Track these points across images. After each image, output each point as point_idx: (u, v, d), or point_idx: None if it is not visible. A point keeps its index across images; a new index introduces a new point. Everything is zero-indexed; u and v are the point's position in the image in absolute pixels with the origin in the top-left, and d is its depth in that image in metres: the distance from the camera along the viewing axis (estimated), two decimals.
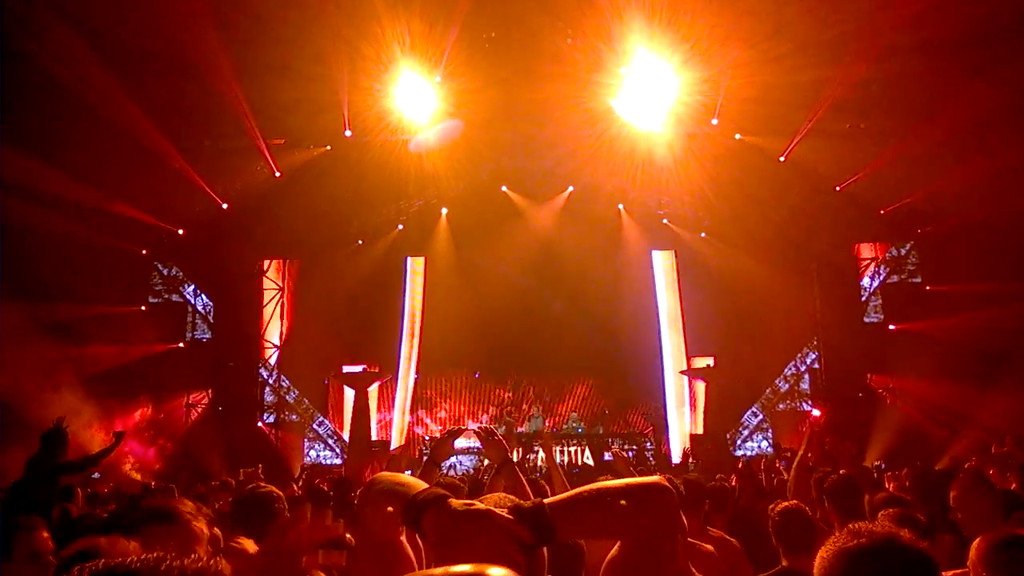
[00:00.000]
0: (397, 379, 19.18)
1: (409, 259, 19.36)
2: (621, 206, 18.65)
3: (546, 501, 1.63)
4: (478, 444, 14.41)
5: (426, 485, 1.71)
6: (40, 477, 7.71)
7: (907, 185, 16.22)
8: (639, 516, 1.63)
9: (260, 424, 18.18)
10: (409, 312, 19.29)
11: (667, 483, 1.66)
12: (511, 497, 1.68)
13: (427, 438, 17.47)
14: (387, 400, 19.16)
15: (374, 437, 18.07)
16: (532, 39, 14.57)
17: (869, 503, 4.52)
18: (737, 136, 16.50)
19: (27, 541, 2.98)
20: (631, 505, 1.62)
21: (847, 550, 1.67)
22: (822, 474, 5.24)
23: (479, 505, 1.55)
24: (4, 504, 7.59)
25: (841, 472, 6.19)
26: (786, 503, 4.11)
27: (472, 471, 15.39)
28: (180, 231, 17.35)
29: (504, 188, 18.22)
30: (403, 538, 2.09)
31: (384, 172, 16.47)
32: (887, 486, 7.63)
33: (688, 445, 17.91)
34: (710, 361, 18.75)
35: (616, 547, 1.79)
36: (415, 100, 15.53)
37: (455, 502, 1.57)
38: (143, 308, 17.96)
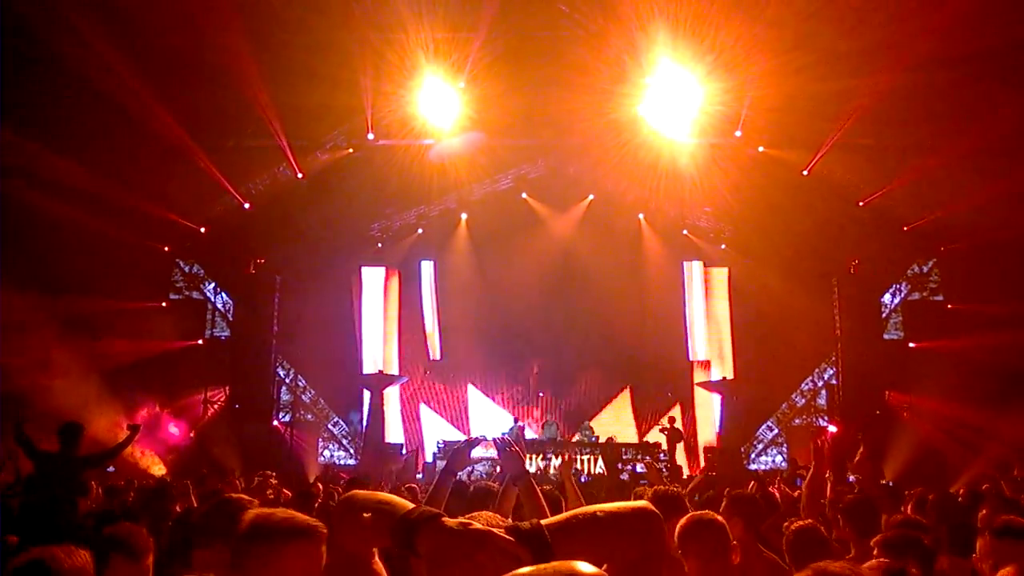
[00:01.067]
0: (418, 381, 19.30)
1: (423, 263, 19.40)
2: (641, 216, 18.61)
3: (543, 522, 1.65)
4: (493, 453, 14.52)
5: (406, 503, 1.71)
6: (58, 471, 7.80)
7: (931, 201, 16.09)
8: (628, 540, 1.67)
9: (276, 423, 18.28)
10: (430, 315, 19.33)
11: (653, 509, 1.70)
12: (500, 517, 1.72)
13: (441, 443, 17.46)
14: (405, 403, 19.22)
15: (389, 440, 18.14)
16: (556, 48, 14.61)
17: (885, 524, 4.49)
18: (760, 149, 16.44)
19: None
20: (621, 529, 1.68)
21: None
22: (838, 493, 5.20)
23: (475, 525, 1.56)
24: (24, 499, 7.69)
25: (857, 491, 6.17)
26: (801, 521, 4.09)
27: (483, 477, 15.34)
28: (202, 229, 17.51)
29: (524, 195, 18.23)
30: (376, 557, 2.09)
31: (405, 176, 16.56)
32: (906, 507, 7.56)
33: (702, 458, 17.83)
34: (727, 374, 18.68)
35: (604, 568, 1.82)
36: (438, 106, 15.60)
37: (449, 521, 1.58)
38: (163, 304, 18.13)
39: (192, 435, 17.13)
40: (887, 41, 13.22)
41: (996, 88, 13.75)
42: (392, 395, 18.92)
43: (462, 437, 17.93)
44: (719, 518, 3.42)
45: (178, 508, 7.60)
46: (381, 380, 18.50)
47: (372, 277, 19.33)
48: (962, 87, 13.81)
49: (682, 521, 3.40)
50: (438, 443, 17.60)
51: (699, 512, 3.51)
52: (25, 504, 7.56)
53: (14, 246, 14.11)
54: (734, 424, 18.35)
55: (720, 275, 19.28)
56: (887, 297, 18.61)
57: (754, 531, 4.30)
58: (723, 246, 18.76)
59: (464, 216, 18.70)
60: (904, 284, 18.64)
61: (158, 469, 15.01)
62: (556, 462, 17.84)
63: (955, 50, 12.95)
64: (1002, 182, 14.36)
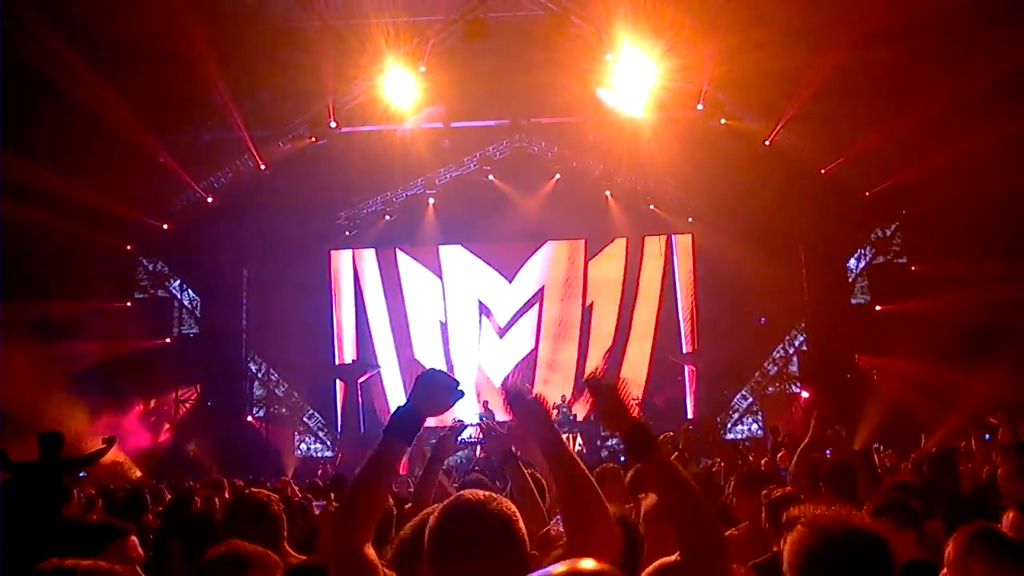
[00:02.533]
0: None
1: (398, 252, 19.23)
2: (608, 192, 18.65)
3: None
4: (473, 438, 14.51)
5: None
6: (40, 479, 7.69)
7: (890, 167, 16.32)
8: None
9: (250, 418, 18.12)
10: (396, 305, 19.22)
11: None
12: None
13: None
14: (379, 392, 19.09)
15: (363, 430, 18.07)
16: (517, 27, 14.57)
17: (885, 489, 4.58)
18: (722, 121, 16.54)
19: (120, 547, 2.92)
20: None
21: (811, 549, 1.86)
22: (815, 460, 5.25)
23: None
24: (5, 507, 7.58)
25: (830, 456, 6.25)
26: (780, 490, 4.12)
27: (462, 461, 15.36)
28: (165, 226, 17.21)
29: (490, 177, 18.17)
30: (368, 548, 2.09)
31: (370, 163, 16.44)
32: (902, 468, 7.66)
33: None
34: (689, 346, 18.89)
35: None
36: (400, 90, 15.46)
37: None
38: (129, 304, 17.82)
39: (166, 435, 16.92)
40: (842, 14, 13.40)
41: (949, 56, 13.96)
42: (373, 384, 18.77)
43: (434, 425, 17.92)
44: None
45: (151, 512, 7.57)
46: (354, 370, 18.40)
47: (342, 261, 19.18)
48: (916, 56, 14.01)
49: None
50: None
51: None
52: (9, 512, 7.48)
53: None
54: (707, 395, 18.57)
55: (684, 242, 19.40)
56: (852, 262, 18.89)
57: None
58: (689, 219, 18.87)
59: (432, 200, 18.59)
60: (868, 249, 18.92)
61: (133, 473, 14.80)
62: None
63: (907, 21, 13.16)
64: (958, 145, 14.60)
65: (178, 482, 11.01)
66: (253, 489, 3.80)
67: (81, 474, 12.24)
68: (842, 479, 4.53)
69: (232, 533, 3.05)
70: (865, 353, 17.77)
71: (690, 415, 18.39)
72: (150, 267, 18.53)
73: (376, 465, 2.16)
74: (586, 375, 2.33)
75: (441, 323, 18.97)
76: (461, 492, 1.95)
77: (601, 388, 2.26)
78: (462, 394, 2.28)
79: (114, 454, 14.67)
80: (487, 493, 1.92)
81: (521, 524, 1.87)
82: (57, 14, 12.56)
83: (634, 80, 15.29)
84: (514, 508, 1.90)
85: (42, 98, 13.24)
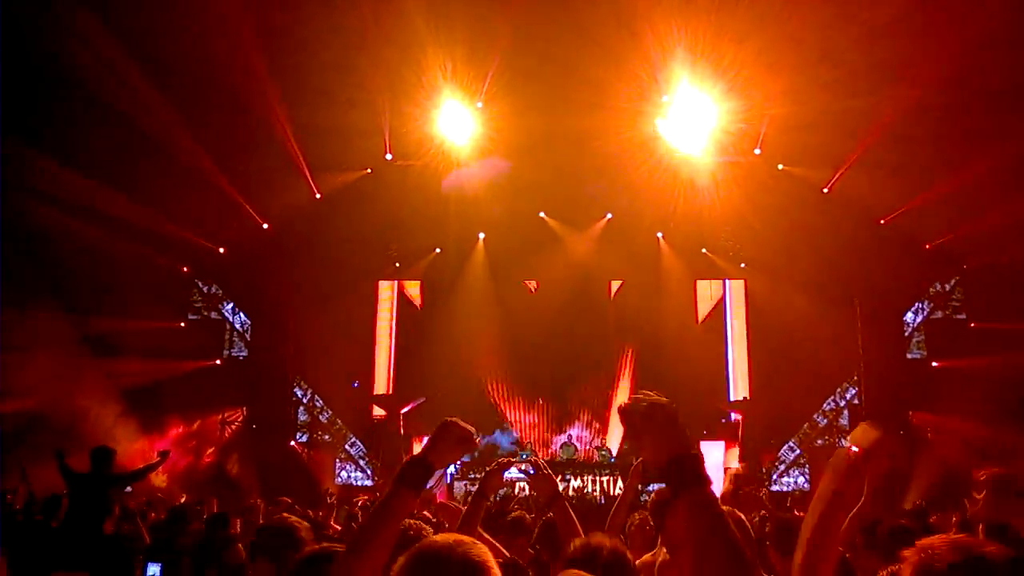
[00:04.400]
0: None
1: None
2: (660, 235, 18.52)
3: None
4: (517, 475, 14.39)
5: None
6: (91, 492, 7.86)
7: (953, 220, 15.95)
8: None
9: (293, 443, 18.23)
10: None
11: None
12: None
13: (457, 464, 17.32)
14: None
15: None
16: (573, 66, 14.60)
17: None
18: (780, 167, 16.36)
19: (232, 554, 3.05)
20: None
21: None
22: (871, 521, 5.05)
23: None
24: (64, 518, 7.78)
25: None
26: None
27: (499, 499, 15.17)
28: (221, 250, 17.57)
29: (542, 214, 18.19)
30: None
31: (423, 196, 16.58)
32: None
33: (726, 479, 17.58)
34: (745, 394, 18.51)
35: None
36: (456, 125, 15.64)
37: None
38: (182, 324, 18.17)
39: (210, 456, 17.11)
40: (908, 58, 13.17)
41: (1018, 106, 13.64)
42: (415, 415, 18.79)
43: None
44: None
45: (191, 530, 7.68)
46: (397, 400, 18.42)
47: (385, 293, 19.32)
48: (985, 104, 13.72)
49: None
50: (455, 464, 17.47)
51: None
52: (64, 523, 7.69)
53: (37, 266, 14.22)
54: (753, 445, 18.15)
55: (737, 288, 19.12)
56: (909, 316, 18.41)
57: None
58: (743, 265, 18.63)
59: (482, 236, 18.66)
60: (926, 303, 18.44)
61: (176, 492, 14.97)
62: (575, 483, 17.74)
63: (977, 67, 12.91)
64: (1021, 199, 14.24)
65: (220, 504, 11.09)
66: (285, 515, 3.80)
67: (127, 489, 12.51)
68: (900, 543, 4.34)
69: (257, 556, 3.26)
70: (919, 410, 17.25)
71: (736, 464, 18.01)
72: (205, 289, 18.89)
73: (384, 513, 2.15)
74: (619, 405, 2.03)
75: None
76: (432, 537, 1.85)
77: (636, 409, 1.90)
78: (476, 447, 2.32)
79: (162, 473, 15.08)
80: (458, 538, 1.81)
81: (494, 573, 1.75)
82: (125, 38, 12.99)
83: (691, 121, 15.25)
84: (486, 556, 1.75)
85: (107, 121, 13.65)
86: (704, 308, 19.05)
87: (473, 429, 2.30)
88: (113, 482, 8.33)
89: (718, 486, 17.80)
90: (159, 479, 15.15)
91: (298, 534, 3.32)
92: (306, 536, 3.35)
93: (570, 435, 19.02)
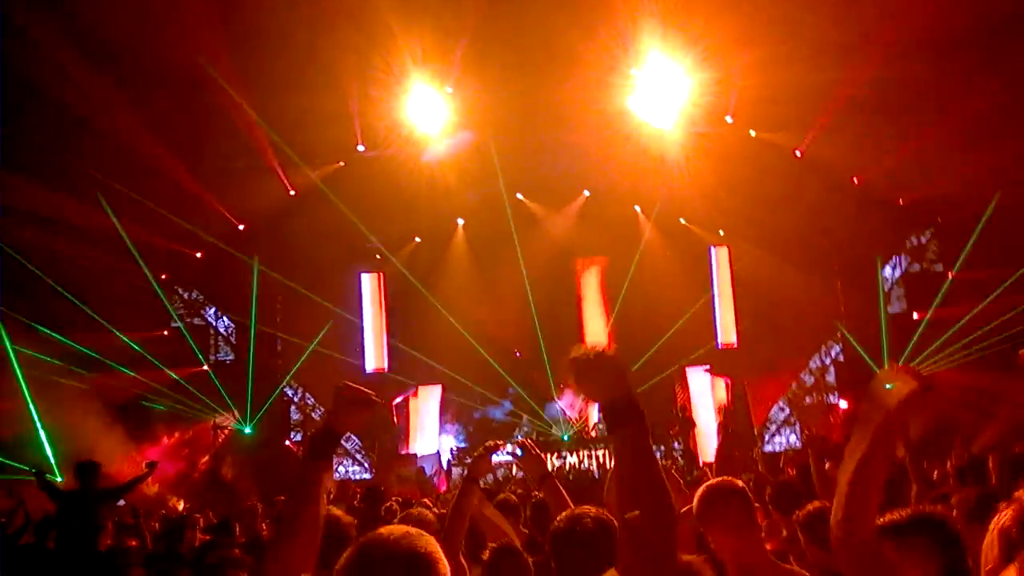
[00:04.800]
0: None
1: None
2: (638, 208, 18.57)
3: None
4: (506, 458, 14.45)
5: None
6: (78, 509, 7.79)
7: (925, 175, 16.12)
8: None
9: (288, 443, 18.16)
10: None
11: None
12: None
13: (453, 450, 17.40)
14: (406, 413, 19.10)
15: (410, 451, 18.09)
16: (543, 41, 14.53)
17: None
18: (752, 133, 16.43)
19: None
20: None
21: None
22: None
23: None
24: (54, 536, 7.70)
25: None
26: (815, 504, 4.01)
27: (500, 481, 15.28)
28: (198, 254, 17.36)
29: (520, 196, 18.17)
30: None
31: (399, 186, 16.46)
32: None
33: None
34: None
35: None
36: (427, 111, 15.53)
37: None
38: (165, 333, 17.97)
39: (205, 463, 17.01)
40: (875, 25, 13.26)
41: (987, 61, 13.79)
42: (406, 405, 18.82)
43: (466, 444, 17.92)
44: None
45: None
46: (387, 390, 18.40)
47: (372, 284, 19.25)
48: (952, 62, 13.83)
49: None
50: (451, 450, 17.54)
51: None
52: (58, 540, 7.60)
53: (13, 285, 13.98)
54: (742, 407, 18.34)
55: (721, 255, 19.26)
56: (888, 271, 18.65)
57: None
58: (721, 232, 18.75)
59: (461, 221, 18.61)
60: (904, 257, 18.69)
61: (175, 501, 14.87)
62: (572, 460, 17.83)
63: (941, 29, 13.02)
64: (993, 151, 14.48)
65: (215, 509, 11.07)
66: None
67: (120, 502, 12.43)
68: (893, 490, 4.44)
69: None
70: (903, 362, 17.51)
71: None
72: (185, 296, 18.69)
73: (302, 490, 2.19)
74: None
75: None
76: (379, 529, 1.81)
77: (582, 358, 2.01)
78: (376, 404, 2.31)
79: (152, 483, 14.97)
80: (408, 530, 1.78)
81: (442, 566, 1.73)
82: (84, 44, 12.70)
83: (662, 93, 15.26)
84: (433, 547, 1.75)
85: (70, 130, 13.40)
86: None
87: (371, 392, 2.30)
88: (101, 497, 8.25)
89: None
90: (150, 488, 15.05)
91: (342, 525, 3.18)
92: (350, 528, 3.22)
93: (561, 409, 19.01)
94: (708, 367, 18.91)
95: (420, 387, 18.87)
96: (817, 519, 3.60)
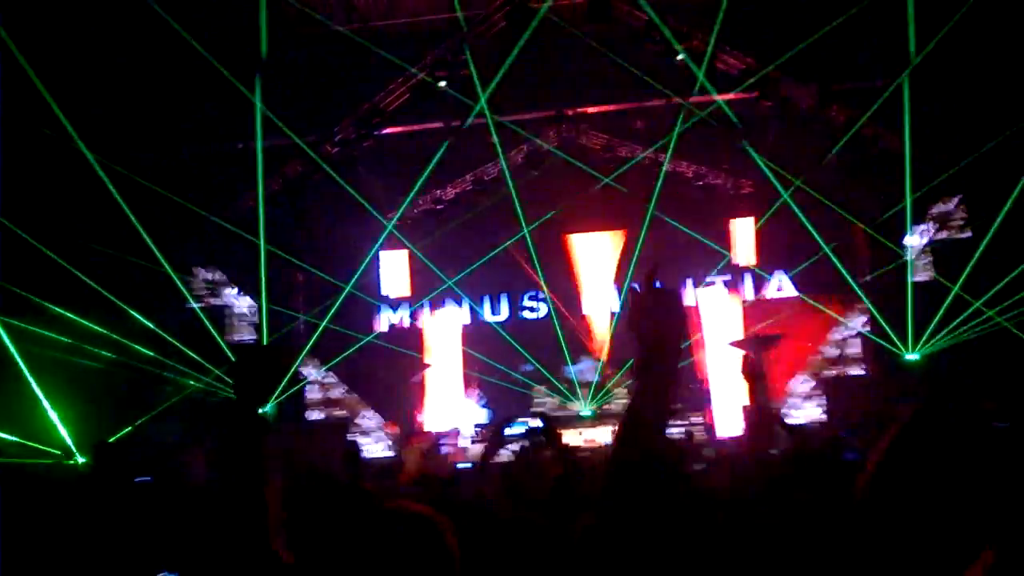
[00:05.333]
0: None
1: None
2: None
3: None
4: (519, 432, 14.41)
5: None
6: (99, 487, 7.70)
7: (952, 142, 15.83)
8: None
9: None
10: None
11: None
12: None
13: (478, 427, 17.36)
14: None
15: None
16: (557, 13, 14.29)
17: None
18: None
19: None
20: None
21: None
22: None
23: None
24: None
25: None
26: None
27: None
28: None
29: (535, 173, 18.01)
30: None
31: (417, 161, 16.27)
32: None
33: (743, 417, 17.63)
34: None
35: None
36: (444, 86, 15.27)
37: None
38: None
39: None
40: None
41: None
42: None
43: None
44: None
45: None
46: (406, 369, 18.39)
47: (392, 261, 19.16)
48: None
49: None
50: (475, 426, 17.50)
51: None
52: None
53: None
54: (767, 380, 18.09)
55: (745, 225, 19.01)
56: (915, 239, 18.31)
57: None
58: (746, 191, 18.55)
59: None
60: (931, 224, 18.35)
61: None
62: (590, 434, 17.70)
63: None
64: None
65: None
66: None
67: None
68: None
69: None
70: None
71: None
72: (208, 276, 18.64)
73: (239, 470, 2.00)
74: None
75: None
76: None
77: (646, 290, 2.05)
78: (287, 370, 2.08)
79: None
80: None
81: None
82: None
83: (680, 63, 15.01)
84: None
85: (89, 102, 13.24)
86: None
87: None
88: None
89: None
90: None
91: None
92: None
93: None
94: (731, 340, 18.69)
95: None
96: None
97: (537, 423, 12.68)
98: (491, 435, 4.07)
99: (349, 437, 18.72)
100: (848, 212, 17.64)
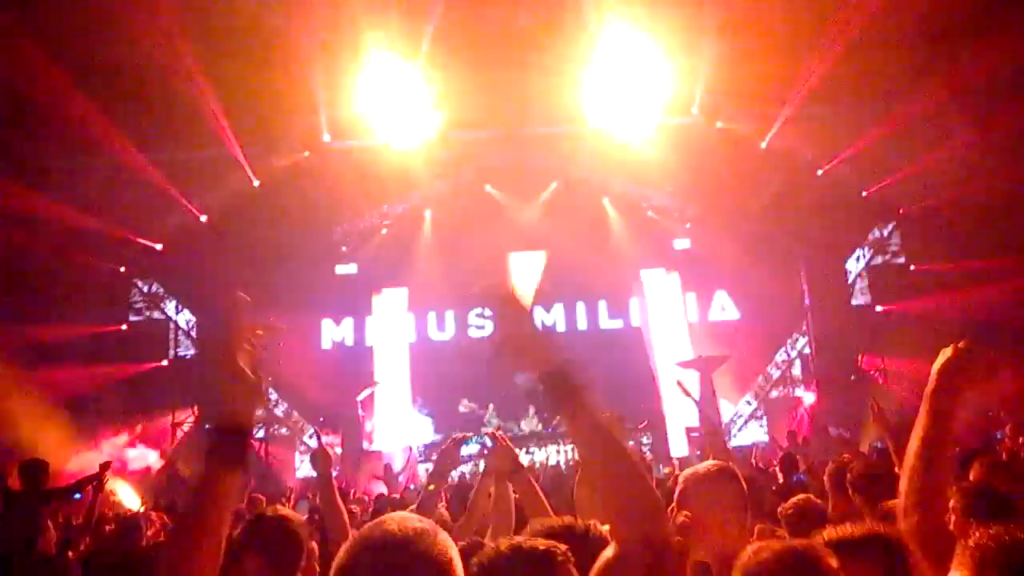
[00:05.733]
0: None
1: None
2: (606, 200, 18.54)
3: None
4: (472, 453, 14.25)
5: None
6: (21, 509, 7.36)
7: (887, 167, 16.33)
8: None
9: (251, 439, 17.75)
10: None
11: None
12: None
13: (422, 447, 17.13)
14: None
15: (366, 447, 17.80)
16: (509, 31, 14.45)
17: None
18: (718, 125, 16.48)
19: None
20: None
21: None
22: (840, 463, 4.93)
23: None
24: None
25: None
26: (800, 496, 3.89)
27: (468, 477, 15.09)
28: (158, 246, 16.96)
29: (488, 187, 18.03)
30: None
31: (365, 176, 16.23)
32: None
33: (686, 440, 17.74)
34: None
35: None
36: (394, 101, 15.30)
37: None
38: (124, 327, 17.53)
39: (162, 460, 16.58)
40: (836, 18, 13.40)
41: (946, 52, 13.99)
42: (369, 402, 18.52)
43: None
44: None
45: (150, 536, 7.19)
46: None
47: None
48: (912, 54, 14.02)
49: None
50: (419, 447, 17.27)
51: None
52: None
53: None
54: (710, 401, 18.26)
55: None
56: (851, 263, 18.82)
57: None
58: (688, 225, 18.79)
59: (428, 212, 18.43)
60: (867, 249, 18.88)
61: (130, 500, 14.42)
62: (540, 456, 17.67)
63: (901, 23, 13.20)
64: (955, 143, 14.73)
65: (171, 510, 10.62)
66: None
67: (77, 495, 11.97)
68: (878, 481, 4.18)
69: None
70: (868, 354, 17.68)
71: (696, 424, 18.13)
72: (144, 289, 18.25)
73: (205, 502, 1.70)
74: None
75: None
76: (383, 520, 1.55)
77: (503, 299, 1.73)
78: (262, 393, 1.87)
79: (110, 481, 14.52)
80: (420, 525, 1.51)
81: (457, 568, 1.49)
82: (43, 36, 12.35)
83: (627, 86, 15.22)
84: (450, 548, 1.50)
85: (28, 119, 13.02)
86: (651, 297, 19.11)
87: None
88: (47, 497, 7.74)
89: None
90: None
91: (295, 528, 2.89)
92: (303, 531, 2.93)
93: (527, 406, 18.91)
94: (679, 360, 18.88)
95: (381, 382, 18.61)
96: None
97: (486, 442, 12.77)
98: (445, 454, 3.87)
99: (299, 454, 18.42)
100: (790, 236, 18.05)
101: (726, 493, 2.75)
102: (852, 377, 17.52)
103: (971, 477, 4.11)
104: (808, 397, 18.04)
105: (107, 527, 8.90)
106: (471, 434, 11.99)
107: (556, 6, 13.91)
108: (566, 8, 14.01)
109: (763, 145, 16.69)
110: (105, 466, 8.51)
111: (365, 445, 18.00)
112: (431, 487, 4.08)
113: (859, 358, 17.70)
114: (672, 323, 19.02)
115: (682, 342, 18.97)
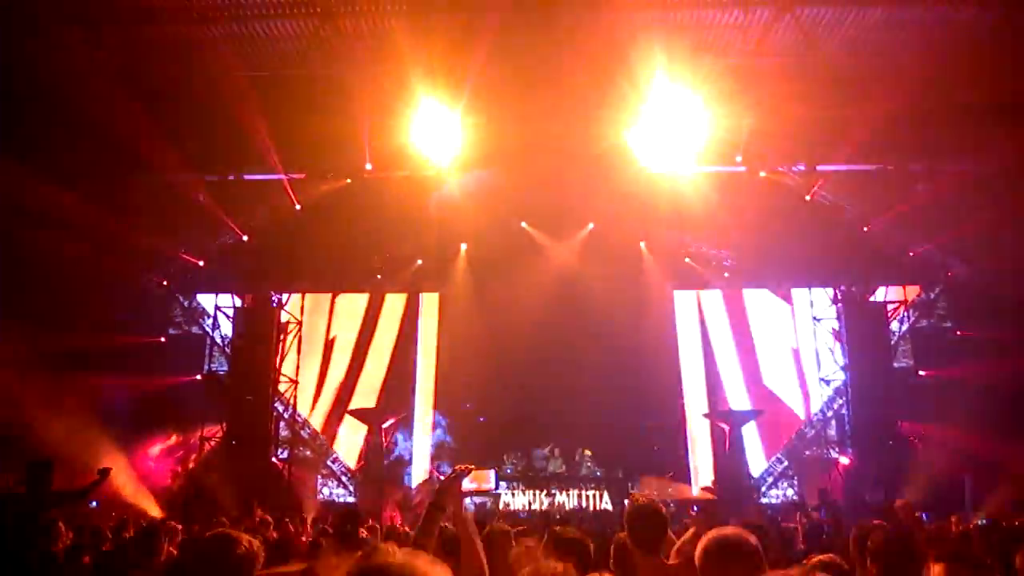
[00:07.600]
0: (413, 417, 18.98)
1: (423, 296, 19.24)
2: (643, 244, 18.43)
3: None
4: (488, 486, 14.14)
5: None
6: (22, 512, 7.44)
7: (936, 227, 15.94)
8: None
9: (274, 459, 17.91)
10: (424, 349, 19.13)
11: None
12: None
13: (438, 474, 17.11)
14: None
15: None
16: (553, 76, 14.55)
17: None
18: (762, 174, 16.30)
19: None
20: None
21: None
22: (862, 530, 4.69)
23: None
24: None
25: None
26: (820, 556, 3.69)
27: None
28: (201, 263, 17.38)
29: (524, 224, 18.08)
30: None
31: (404, 206, 16.43)
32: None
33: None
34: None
35: None
36: (436, 135, 15.51)
37: None
38: (162, 340, 17.95)
39: (186, 473, 16.83)
40: (888, 68, 13.19)
41: (999, 116, 13.64)
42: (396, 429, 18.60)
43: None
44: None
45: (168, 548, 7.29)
46: (378, 415, 18.15)
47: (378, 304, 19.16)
48: (965, 114, 13.70)
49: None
50: (438, 473, 17.25)
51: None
52: None
53: (11, 281, 14.01)
54: (736, 458, 17.79)
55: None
56: (895, 325, 18.27)
57: None
58: (726, 274, 18.54)
59: (464, 246, 18.55)
60: (911, 311, 18.34)
61: (153, 510, 14.64)
62: (560, 499, 17.50)
63: (955, 76, 12.93)
64: (1007, 208, 14.27)
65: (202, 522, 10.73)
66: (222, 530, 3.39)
67: (93, 503, 12.16)
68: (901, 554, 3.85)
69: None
70: (907, 419, 17.08)
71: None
72: (185, 304, 18.67)
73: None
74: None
75: None
76: (385, 556, 1.64)
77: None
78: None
79: (135, 490, 14.78)
80: (411, 562, 1.60)
81: None
82: (108, 58, 12.89)
83: (672, 131, 15.16)
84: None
85: (84, 133, 13.51)
86: (684, 319, 18.91)
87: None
88: (53, 500, 7.84)
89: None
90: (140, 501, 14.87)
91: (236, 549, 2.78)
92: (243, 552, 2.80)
93: (552, 448, 18.80)
94: (706, 412, 18.58)
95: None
96: None
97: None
98: (447, 485, 3.73)
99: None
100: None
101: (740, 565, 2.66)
102: (889, 442, 16.91)
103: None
104: (842, 459, 17.48)
105: (127, 534, 9.08)
106: (474, 466, 11.95)
107: (603, 53, 13.95)
108: (612, 55, 14.05)
109: (808, 197, 16.46)
110: (104, 472, 8.64)
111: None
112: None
113: (898, 423, 17.06)
114: (705, 373, 18.76)
115: (716, 393, 18.71)
